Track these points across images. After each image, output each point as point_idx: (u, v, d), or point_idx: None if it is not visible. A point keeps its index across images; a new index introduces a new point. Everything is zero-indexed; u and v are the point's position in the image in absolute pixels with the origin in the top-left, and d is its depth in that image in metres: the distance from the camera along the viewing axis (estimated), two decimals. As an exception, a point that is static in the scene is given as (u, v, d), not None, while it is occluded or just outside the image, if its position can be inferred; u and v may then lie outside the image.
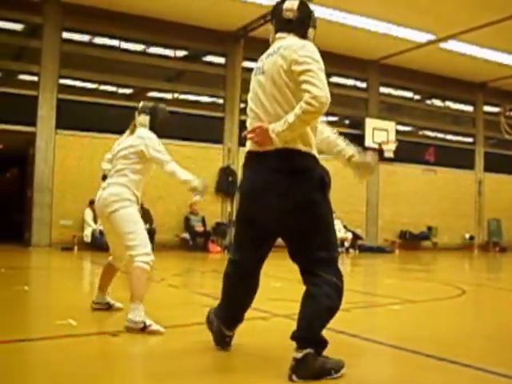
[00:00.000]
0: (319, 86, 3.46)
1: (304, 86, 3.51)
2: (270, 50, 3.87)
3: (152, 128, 5.44)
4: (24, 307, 6.30)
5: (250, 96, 3.95)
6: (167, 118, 5.58)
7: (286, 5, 3.87)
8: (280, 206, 3.67)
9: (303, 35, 3.85)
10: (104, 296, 5.82)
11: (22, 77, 15.73)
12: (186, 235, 16.70)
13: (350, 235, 18.36)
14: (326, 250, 3.71)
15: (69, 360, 3.87)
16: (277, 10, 3.94)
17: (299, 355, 3.51)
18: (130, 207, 5.18)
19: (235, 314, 4.17)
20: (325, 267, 3.68)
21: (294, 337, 3.61)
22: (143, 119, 5.46)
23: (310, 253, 3.72)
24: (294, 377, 3.48)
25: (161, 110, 5.57)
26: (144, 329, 4.74)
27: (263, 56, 3.93)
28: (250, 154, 3.92)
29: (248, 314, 4.23)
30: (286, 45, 3.72)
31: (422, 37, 17.54)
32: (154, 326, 4.78)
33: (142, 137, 5.29)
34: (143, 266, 4.99)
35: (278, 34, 3.91)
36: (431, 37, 17.54)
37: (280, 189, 3.65)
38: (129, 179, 5.24)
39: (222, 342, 4.18)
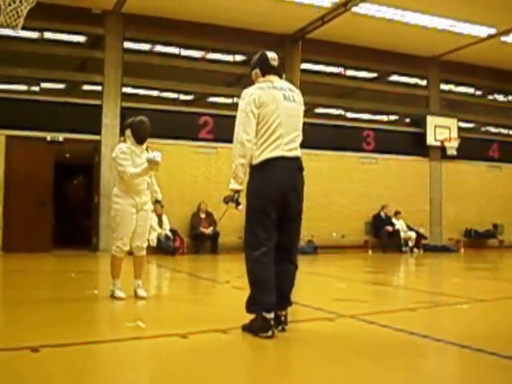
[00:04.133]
0: None
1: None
2: (284, 85, 4.89)
3: (135, 137, 6.66)
4: (95, 310, 6.44)
5: (282, 117, 4.72)
6: (143, 129, 6.67)
7: (271, 55, 4.96)
8: None
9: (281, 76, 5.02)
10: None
11: (87, 87, 16.11)
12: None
13: (413, 234, 18.11)
14: None
15: (135, 362, 3.96)
16: (263, 58, 4.96)
17: (285, 312, 4.75)
18: (114, 204, 7.22)
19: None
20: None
21: (289, 302, 4.81)
22: (127, 133, 6.71)
23: None
24: (285, 327, 4.74)
25: (136, 122, 6.69)
26: (112, 296, 6.67)
27: (280, 86, 4.86)
28: None
29: (314, 314, 4.27)
30: (292, 87, 4.96)
31: (483, 31, 17.20)
32: (116, 293, 6.66)
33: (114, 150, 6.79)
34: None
35: (271, 77, 4.90)
36: (492, 30, 17.18)
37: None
38: (118, 181, 7.04)
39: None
